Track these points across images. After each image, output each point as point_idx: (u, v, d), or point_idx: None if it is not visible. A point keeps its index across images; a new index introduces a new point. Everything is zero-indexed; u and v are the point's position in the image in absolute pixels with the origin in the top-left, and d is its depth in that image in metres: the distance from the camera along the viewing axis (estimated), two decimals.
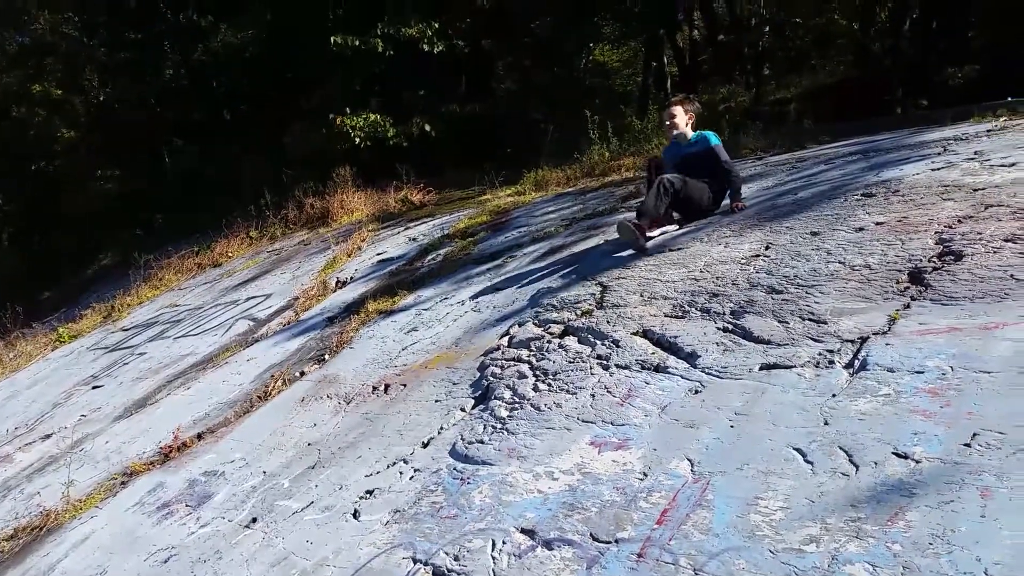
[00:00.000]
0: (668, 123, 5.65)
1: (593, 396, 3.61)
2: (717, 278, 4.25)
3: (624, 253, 5.31)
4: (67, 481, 5.46)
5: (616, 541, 2.64)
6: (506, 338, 4.75)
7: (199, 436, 5.40)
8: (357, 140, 13.31)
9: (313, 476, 4.12)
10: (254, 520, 3.91)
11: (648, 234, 5.26)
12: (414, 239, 9.11)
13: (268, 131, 16.16)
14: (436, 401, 4.36)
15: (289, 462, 4.42)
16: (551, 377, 3.97)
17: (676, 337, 3.78)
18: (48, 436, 7.11)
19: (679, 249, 4.95)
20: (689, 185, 5.28)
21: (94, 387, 8.10)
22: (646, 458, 3.02)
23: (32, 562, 4.58)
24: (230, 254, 12.49)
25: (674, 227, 5.47)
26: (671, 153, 5.71)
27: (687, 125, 5.61)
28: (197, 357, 7.50)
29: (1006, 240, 3.57)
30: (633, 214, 5.51)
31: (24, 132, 19.25)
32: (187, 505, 4.41)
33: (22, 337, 12.17)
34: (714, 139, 5.46)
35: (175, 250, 13.45)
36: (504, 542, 2.87)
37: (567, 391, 3.76)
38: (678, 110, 5.60)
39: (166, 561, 3.86)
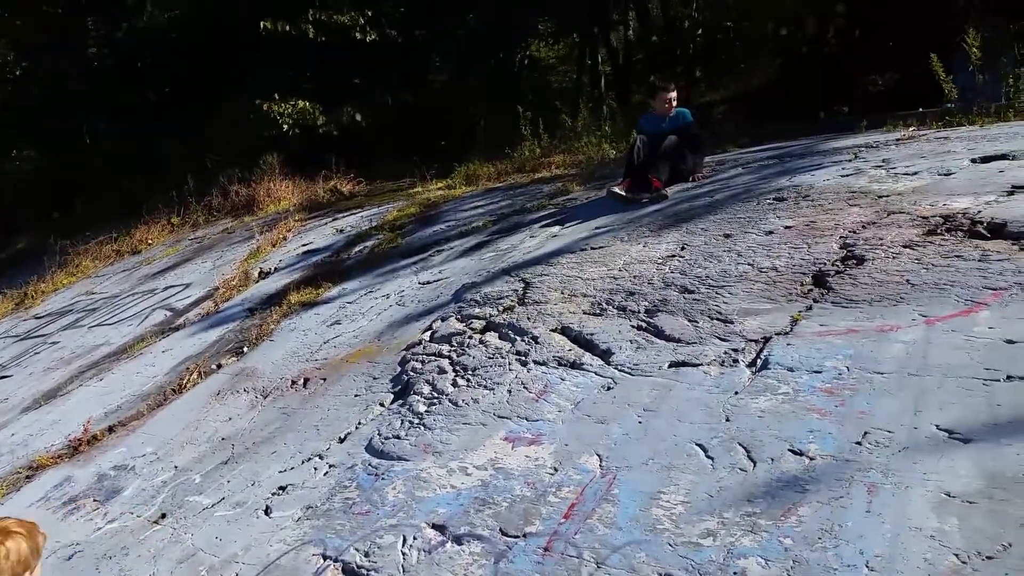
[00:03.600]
0: (668, 105, 6.38)
1: (510, 392, 3.65)
2: (635, 277, 4.34)
3: (545, 250, 5.38)
4: None
5: (524, 535, 2.68)
6: (428, 332, 4.74)
7: (110, 429, 5.23)
8: (285, 127, 13.01)
9: (226, 471, 4.04)
10: (163, 516, 3.81)
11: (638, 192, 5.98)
12: (341, 230, 8.99)
13: (194, 115, 15.62)
14: (355, 396, 4.33)
15: (201, 457, 4.32)
16: (470, 372, 3.99)
17: (593, 334, 3.84)
18: None
19: (601, 248, 5.03)
20: (664, 145, 6.17)
21: (2, 377, 7.75)
22: (557, 453, 3.06)
23: None
24: (150, 241, 12.08)
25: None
26: (651, 125, 6.42)
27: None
28: (111, 347, 7.25)
29: (904, 246, 3.75)
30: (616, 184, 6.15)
31: None
32: (95, 500, 4.27)
33: None
34: (690, 115, 6.49)
35: (93, 236, 12.93)
36: (415, 537, 2.88)
37: (485, 387, 3.78)
38: (674, 93, 6.44)
39: (70, 558, 3.73)
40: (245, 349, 5.76)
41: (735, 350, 3.30)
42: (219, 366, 5.61)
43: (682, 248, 4.56)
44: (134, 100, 16.59)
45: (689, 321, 3.64)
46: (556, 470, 2.97)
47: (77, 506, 4.30)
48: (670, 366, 3.34)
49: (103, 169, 16.67)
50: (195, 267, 9.47)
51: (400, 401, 4.04)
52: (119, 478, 4.44)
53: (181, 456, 4.41)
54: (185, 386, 5.45)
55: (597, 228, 5.52)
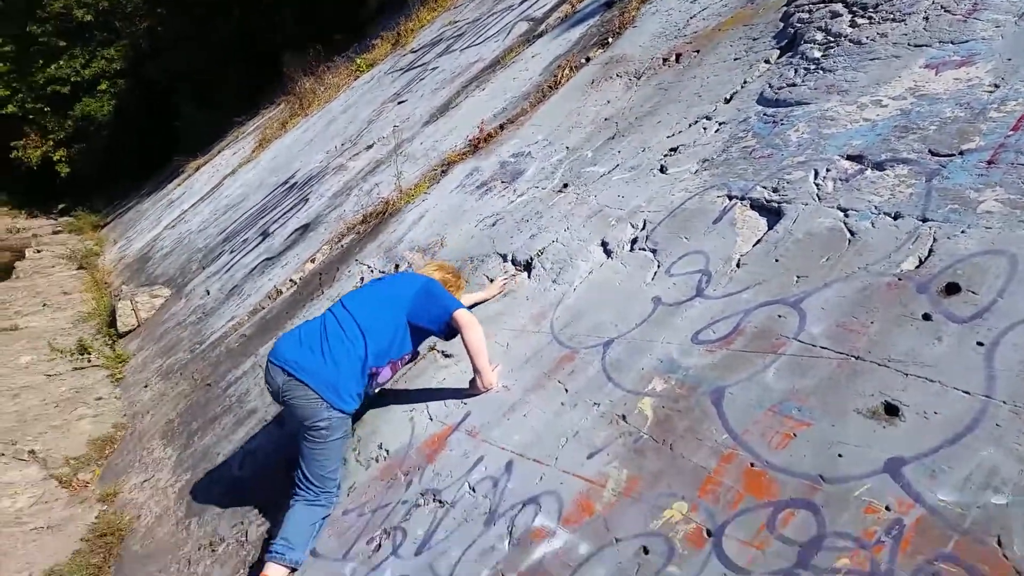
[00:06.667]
0: None
1: (927, 19, 3.17)
2: None
3: None
4: (397, 174, 6.23)
5: (960, 153, 2.43)
6: None
7: (501, 127, 5.75)
8: None
9: (614, 144, 4.24)
10: (565, 186, 4.19)
11: None
12: None
13: None
14: (735, 60, 4.14)
15: (589, 136, 4.57)
16: (871, 9, 3.53)
17: None
18: (371, 146, 8.07)
19: None
20: None
21: (399, 102, 8.88)
22: (997, 70, 2.65)
23: (383, 237, 5.42)
24: None
25: None
26: None
27: None
28: (485, 62, 7.79)
29: None
30: None
31: None
32: (502, 181, 4.83)
33: (327, 71, 13.47)
34: None
35: None
36: (828, 170, 2.78)
37: (893, 19, 3.33)
38: None
39: (494, 224, 4.34)
40: (610, 40, 5.76)
41: None
42: (588, 59, 5.72)
43: None
44: None
45: None
46: (997, 86, 2.59)
47: (489, 188, 4.91)
48: None
49: None
50: None
51: (789, 53, 3.77)
52: (519, 163, 4.93)
53: (570, 138, 4.72)
54: (560, 81, 5.69)
55: None
